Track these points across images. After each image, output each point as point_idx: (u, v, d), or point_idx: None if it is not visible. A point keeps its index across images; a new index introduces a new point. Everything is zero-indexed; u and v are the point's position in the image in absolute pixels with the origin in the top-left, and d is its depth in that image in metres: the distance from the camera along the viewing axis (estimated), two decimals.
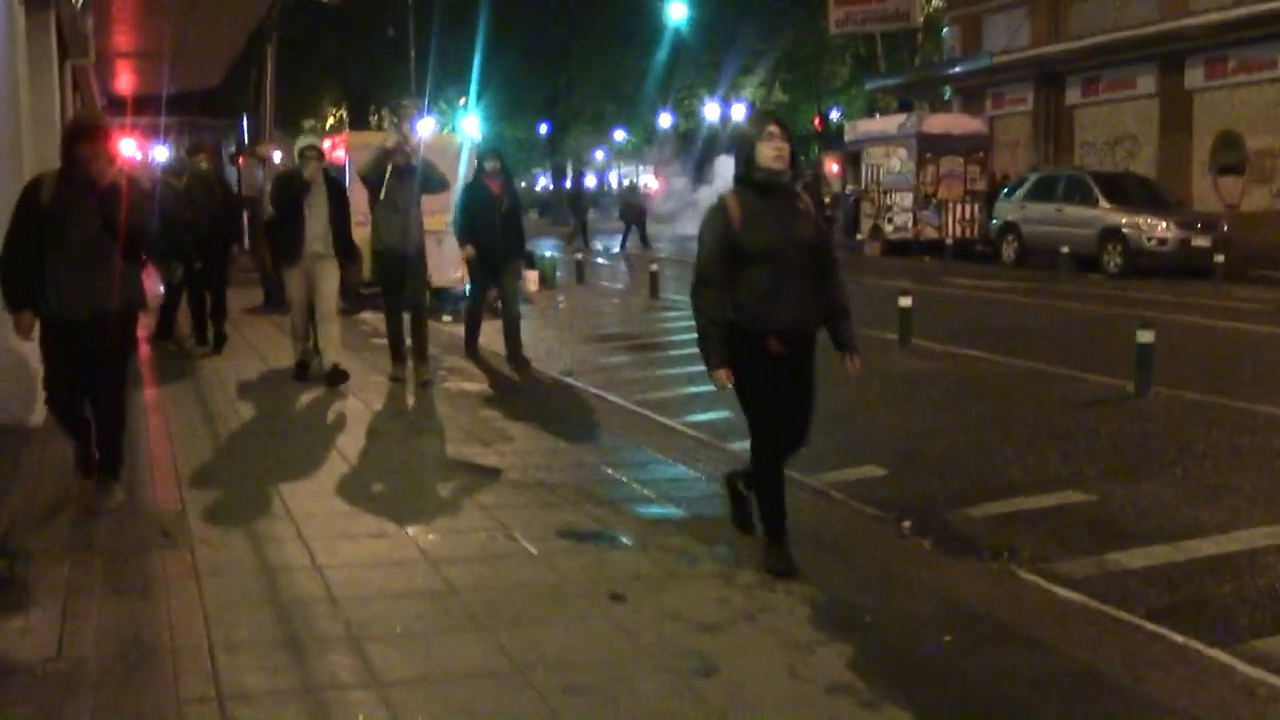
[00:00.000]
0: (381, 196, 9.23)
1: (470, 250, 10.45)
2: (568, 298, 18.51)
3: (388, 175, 9.17)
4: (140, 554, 4.99)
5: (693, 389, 9.66)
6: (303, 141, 9.61)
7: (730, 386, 4.86)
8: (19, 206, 5.60)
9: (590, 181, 58.29)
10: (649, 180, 60.00)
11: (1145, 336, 9.13)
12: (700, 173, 50.59)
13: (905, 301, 11.93)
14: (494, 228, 10.39)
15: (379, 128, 51.00)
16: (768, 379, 4.84)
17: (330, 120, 52.70)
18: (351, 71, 43.74)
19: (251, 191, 25.65)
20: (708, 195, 45.41)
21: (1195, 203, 24.41)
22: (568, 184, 65.89)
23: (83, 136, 5.62)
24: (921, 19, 35.48)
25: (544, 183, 66.91)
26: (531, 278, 20.04)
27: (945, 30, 34.01)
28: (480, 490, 6.15)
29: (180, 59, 24.91)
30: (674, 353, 12.00)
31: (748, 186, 4.81)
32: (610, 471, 6.62)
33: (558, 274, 20.41)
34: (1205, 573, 5.18)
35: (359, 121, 47.63)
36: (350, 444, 7.33)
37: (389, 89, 45.72)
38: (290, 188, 9.25)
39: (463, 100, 43.97)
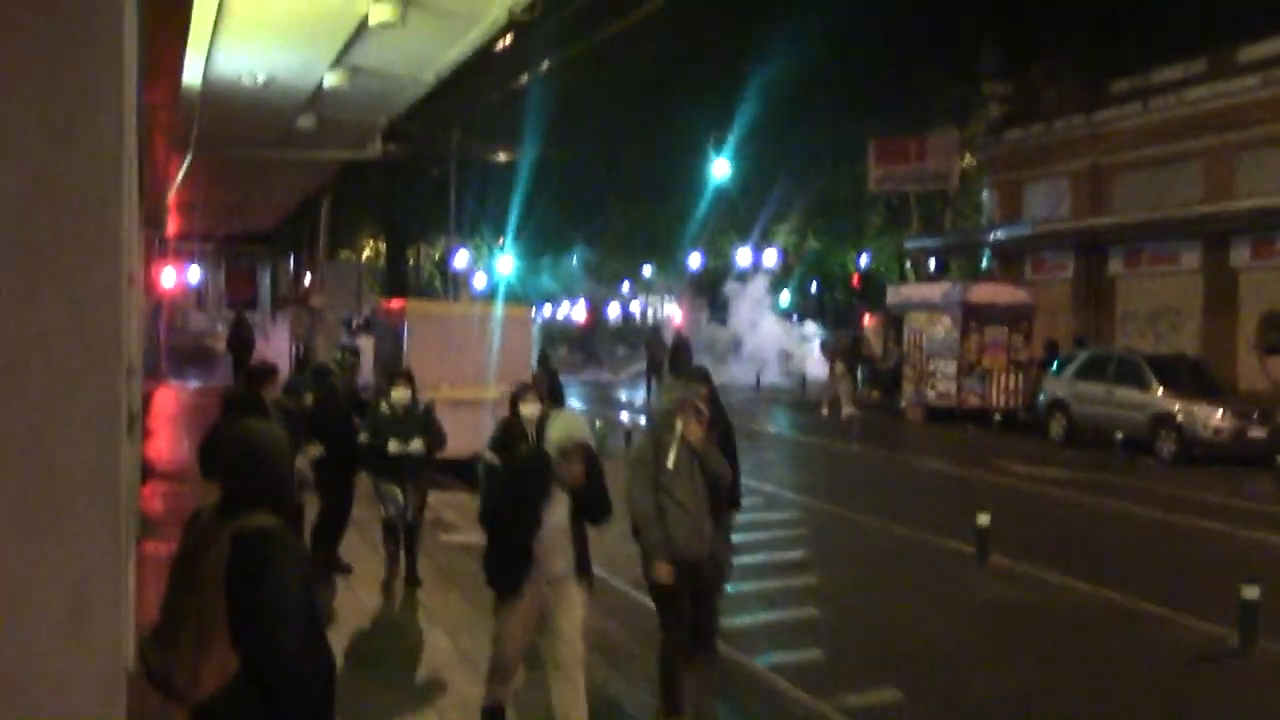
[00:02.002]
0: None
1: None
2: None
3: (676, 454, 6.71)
4: None
5: (772, 615, 9.46)
6: (567, 430, 6.00)
7: None
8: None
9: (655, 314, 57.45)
10: (673, 312, 60.53)
11: (1250, 592, 8.94)
12: (718, 311, 51.07)
13: (984, 520, 11.75)
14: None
15: (413, 264, 52.12)
16: None
17: (366, 251, 53.58)
18: (393, 209, 44.42)
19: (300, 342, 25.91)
20: (724, 335, 45.66)
21: (1241, 381, 24.40)
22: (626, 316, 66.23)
23: None
24: (958, 179, 35.97)
25: (567, 311, 67.04)
26: None
27: (985, 194, 34.44)
28: None
29: (238, 212, 25.44)
30: (742, 559, 11.75)
31: None
32: None
33: (609, 438, 19.89)
34: None
35: (395, 255, 48.37)
36: None
37: (428, 226, 46.59)
38: (520, 480, 6.09)
39: (500, 240, 44.72)
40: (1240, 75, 25.39)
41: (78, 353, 3.32)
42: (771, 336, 44.59)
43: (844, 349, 27.56)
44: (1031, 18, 35.20)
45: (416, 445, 9.60)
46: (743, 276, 49.34)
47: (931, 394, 26.79)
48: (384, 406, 9.74)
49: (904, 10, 35.02)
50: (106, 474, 3.36)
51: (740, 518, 10.02)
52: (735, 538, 9.26)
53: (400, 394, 9.72)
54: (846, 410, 26.09)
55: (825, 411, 26.51)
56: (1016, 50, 33.59)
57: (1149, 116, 27.60)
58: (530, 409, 8.04)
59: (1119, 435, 20.34)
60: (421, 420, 9.73)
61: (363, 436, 9.70)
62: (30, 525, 3.16)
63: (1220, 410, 19.68)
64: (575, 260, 58.26)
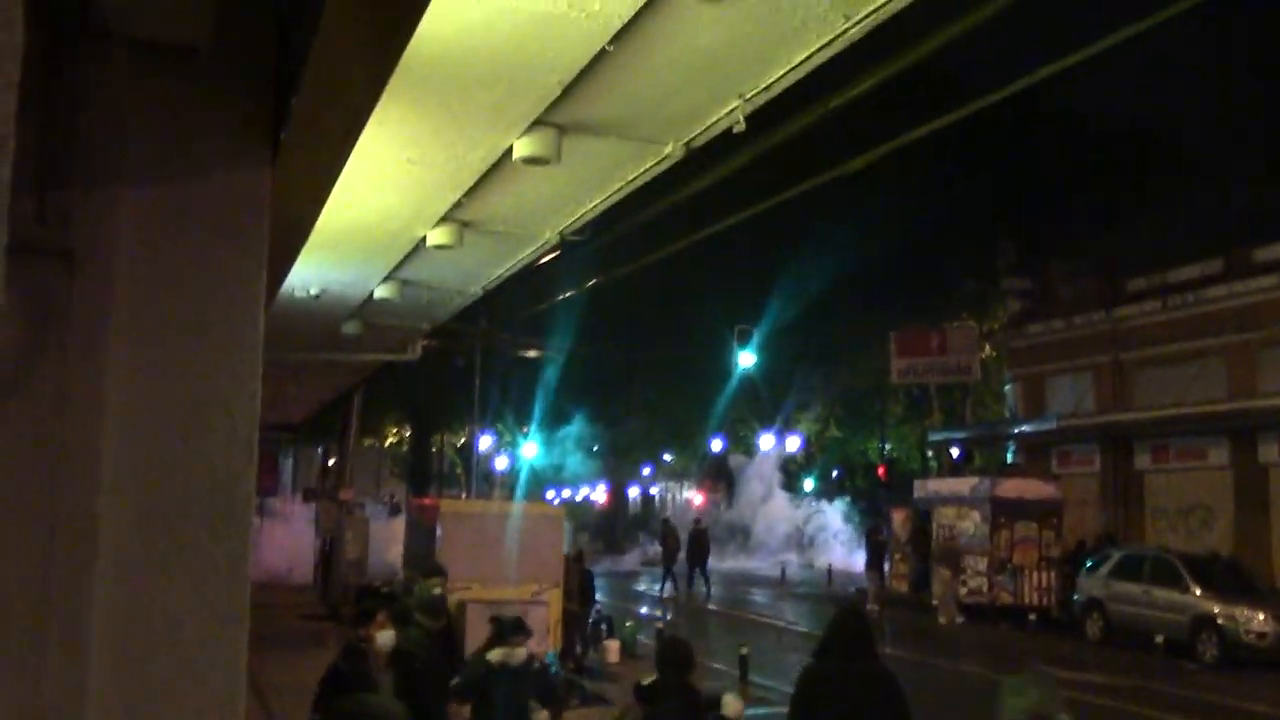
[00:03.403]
0: None
1: None
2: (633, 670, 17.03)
3: None
4: None
5: None
6: None
7: None
8: None
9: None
10: (691, 496, 60.26)
11: None
12: (731, 497, 50.89)
13: None
14: None
15: (437, 449, 52.24)
16: None
17: (390, 439, 53.80)
18: (418, 398, 44.80)
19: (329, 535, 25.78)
20: (732, 517, 44.87)
21: (1277, 579, 24.07)
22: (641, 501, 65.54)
23: None
24: (979, 370, 36.28)
25: (587, 493, 66.63)
26: (612, 648, 19.40)
27: (1008, 388, 34.72)
28: None
29: (270, 406, 25.73)
30: None
31: None
32: None
33: (639, 639, 19.64)
34: None
35: (420, 443, 48.53)
36: None
37: (452, 413, 46.89)
38: None
39: (524, 428, 45.05)
40: (1257, 275, 25.86)
41: (205, 632, 3.39)
42: (781, 516, 44.04)
43: (947, 551, 26.85)
44: (1048, 215, 36.23)
45: (543, 717, 7.63)
46: (750, 452, 49.22)
47: (963, 590, 26.44)
48: (492, 660, 7.79)
49: (923, 208, 36.01)
50: None
51: None
52: None
53: (515, 651, 7.75)
54: (942, 618, 25.49)
55: (943, 620, 25.81)
56: (1033, 247, 34.42)
57: (1169, 314, 28.01)
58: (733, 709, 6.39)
59: (1159, 638, 20.00)
60: (539, 681, 7.97)
61: (457, 689, 7.64)
62: None
63: (1261, 613, 19.38)
64: (596, 446, 58.35)
